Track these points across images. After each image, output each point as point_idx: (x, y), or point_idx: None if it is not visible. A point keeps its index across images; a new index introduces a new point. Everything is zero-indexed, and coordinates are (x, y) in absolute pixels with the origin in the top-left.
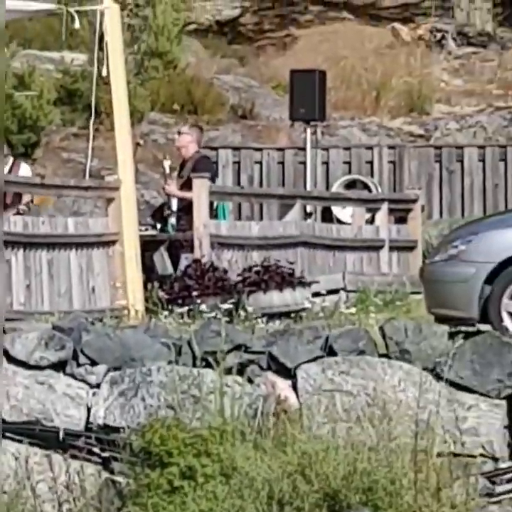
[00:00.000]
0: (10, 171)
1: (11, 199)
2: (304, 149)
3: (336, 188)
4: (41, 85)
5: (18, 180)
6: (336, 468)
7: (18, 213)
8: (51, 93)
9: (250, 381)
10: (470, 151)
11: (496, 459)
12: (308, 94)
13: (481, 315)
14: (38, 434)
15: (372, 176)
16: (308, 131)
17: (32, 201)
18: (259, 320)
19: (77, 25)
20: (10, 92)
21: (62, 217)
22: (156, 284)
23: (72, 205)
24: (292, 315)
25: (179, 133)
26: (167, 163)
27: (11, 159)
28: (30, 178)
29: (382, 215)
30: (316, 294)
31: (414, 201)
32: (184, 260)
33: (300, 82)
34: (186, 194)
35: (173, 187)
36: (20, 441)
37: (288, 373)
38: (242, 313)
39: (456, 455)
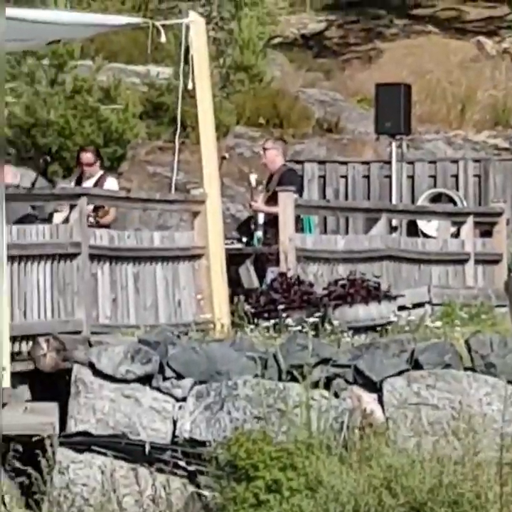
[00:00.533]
0: (96, 184)
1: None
2: (389, 163)
3: (422, 201)
4: (127, 99)
5: (103, 193)
6: (422, 481)
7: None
8: (137, 106)
9: (336, 395)
10: None
11: None
12: (393, 108)
13: None
14: (124, 448)
15: (457, 189)
16: (394, 144)
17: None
18: (345, 333)
19: (162, 38)
20: (96, 106)
21: (148, 231)
22: (242, 298)
23: (158, 218)
24: (378, 329)
25: (264, 149)
26: (253, 177)
27: (99, 172)
28: (116, 192)
29: (467, 229)
30: (401, 308)
31: (500, 214)
32: (270, 274)
33: (385, 96)
34: (272, 209)
35: (259, 204)
36: (105, 455)
37: (374, 387)
38: (327, 326)
39: None
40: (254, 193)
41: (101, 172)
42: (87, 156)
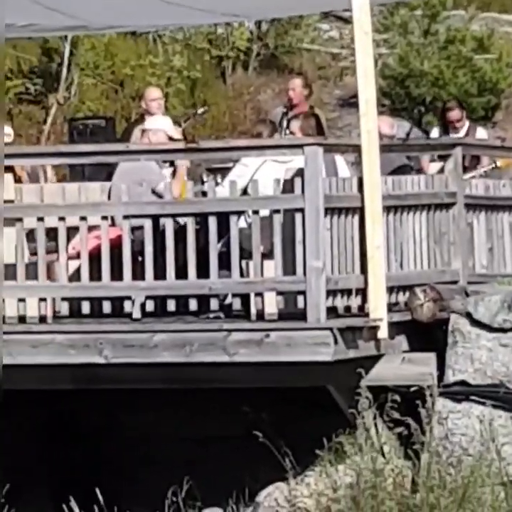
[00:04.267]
0: (466, 135)
1: (469, 162)
2: None
3: None
4: (501, 48)
5: (475, 143)
6: None
7: (473, 177)
8: (510, 56)
9: None
10: None
11: None
12: None
13: None
14: (503, 397)
15: None
16: None
17: (496, 166)
18: None
19: None
20: (469, 55)
21: None
22: None
23: None
24: None
25: None
26: None
27: (466, 124)
28: (490, 141)
29: None
30: None
31: None
32: None
33: None
34: None
35: None
36: (484, 404)
37: None
38: None
39: None
40: None
41: (467, 123)
42: (453, 114)
